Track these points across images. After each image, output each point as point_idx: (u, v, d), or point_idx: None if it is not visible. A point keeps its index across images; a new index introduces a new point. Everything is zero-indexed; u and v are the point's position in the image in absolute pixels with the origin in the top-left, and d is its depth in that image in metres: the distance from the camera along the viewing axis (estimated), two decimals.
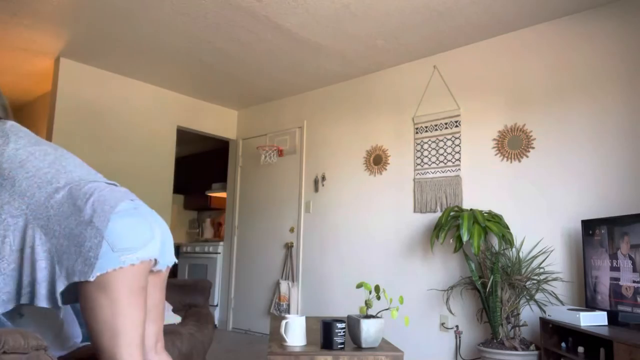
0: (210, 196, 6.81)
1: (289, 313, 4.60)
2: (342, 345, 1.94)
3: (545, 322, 2.80)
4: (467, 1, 3.12)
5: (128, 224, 1.40)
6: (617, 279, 2.54)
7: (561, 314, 2.64)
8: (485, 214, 3.24)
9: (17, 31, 3.72)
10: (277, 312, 4.64)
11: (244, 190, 5.48)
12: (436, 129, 3.84)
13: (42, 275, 1.37)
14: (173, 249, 1.58)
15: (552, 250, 3.16)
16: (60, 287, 1.36)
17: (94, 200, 1.41)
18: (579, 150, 3.13)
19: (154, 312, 1.59)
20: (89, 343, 2.02)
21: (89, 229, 1.37)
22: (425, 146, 3.89)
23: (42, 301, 1.37)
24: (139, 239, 1.40)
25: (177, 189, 7.05)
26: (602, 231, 2.67)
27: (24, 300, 1.38)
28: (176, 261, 1.58)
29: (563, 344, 2.68)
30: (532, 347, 2.91)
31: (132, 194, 1.53)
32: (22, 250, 1.40)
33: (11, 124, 1.54)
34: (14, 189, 1.42)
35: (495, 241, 3.36)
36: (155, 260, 1.45)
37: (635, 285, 2.43)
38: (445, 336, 3.58)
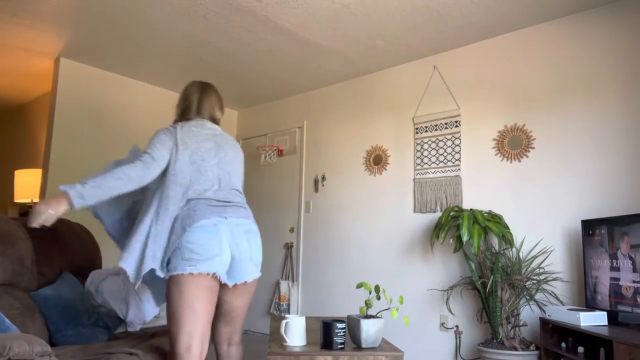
0: None
1: (289, 313, 4.60)
2: (342, 345, 1.94)
3: (545, 322, 2.80)
4: (467, 2, 3.12)
5: (198, 239, 1.73)
6: (617, 279, 2.54)
7: (561, 314, 2.64)
8: (485, 214, 3.24)
9: (17, 31, 3.72)
10: (277, 312, 4.64)
11: (243, 190, 5.48)
12: (436, 129, 3.84)
13: (151, 250, 1.77)
14: (252, 270, 1.88)
15: (552, 251, 3.16)
16: (148, 267, 1.73)
17: (184, 215, 1.79)
18: (579, 150, 3.13)
19: (227, 316, 1.93)
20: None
21: (174, 236, 1.75)
22: (425, 146, 3.89)
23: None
24: (203, 254, 1.72)
25: None
26: (602, 231, 2.67)
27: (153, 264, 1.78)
28: (247, 280, 1.88)
29: (563, 344, 2.68)
30: (532, 347, 2.91)
31: (235, 211, 1.86)
32: (149, 226, 1.78)
33: (195, 122, 2.00)
34: (162, 181, 1.85)
35: (495, 241, 3.36)
36: (214, 274, 1.75)
37: (635, 285, 2.43)
38: (445, 336, 3.58)
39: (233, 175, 1.98)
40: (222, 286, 1.88)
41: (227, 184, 1.94)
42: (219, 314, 1.96)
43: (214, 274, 1.75)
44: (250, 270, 1.88)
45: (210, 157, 1.92)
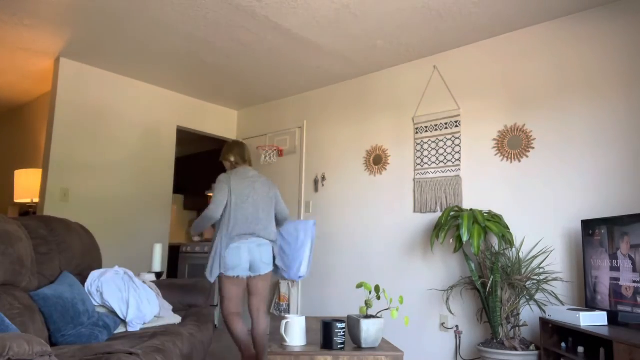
0: (210, 196, 6.81)
1: (289, 313, 4.60)
2: (342, 345, 1.94)
3: (545, 322, 2.80)
4: (467, 2, 3.12)
5: (228, 256, 2.91)
6: (617, 279, 2.54)
7: (561, 314, 2.65)
8: (485, 214, 3.24)
9: (17, 31, 3.72)
10: (277, 312, 4.64)
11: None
12: (436, 129, 3.84)
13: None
14: (264, 267, 3.03)
15: (552, 250, 3.16)
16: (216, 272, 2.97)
17: (226, 240, 2.93)
18: (579, 150, 3.13)
19: (254, 292, 3.10)
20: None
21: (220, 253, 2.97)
22: (425, 146, 3.89)
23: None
24: (230, 265, 2.91)
25: (177, 189, 7.05)
26: (602, 231, 2.68)
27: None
28: (262, 273, 3.05)
29: (563, 344, 2.68)
30: (532, 347, 2.91)
31: (253, 236, 2.99)
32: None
33: (242, 169, 3.14)
34: (222, 216, 3.01)
35: (495, 241, 3.36)
36: (238, 276, 2.96)
37: (635, 285, 2.43)
38: (445, 336, 3.58)
39: (261, 211, 3.03)
40: (249, 276, 3.03)
41: (255, 217, 2.99)
42: (250, 292, 3.10)
43: (237, 276, 2.97)
44: (263, 267, 3.02)
45: (248, 201, 2.99)
